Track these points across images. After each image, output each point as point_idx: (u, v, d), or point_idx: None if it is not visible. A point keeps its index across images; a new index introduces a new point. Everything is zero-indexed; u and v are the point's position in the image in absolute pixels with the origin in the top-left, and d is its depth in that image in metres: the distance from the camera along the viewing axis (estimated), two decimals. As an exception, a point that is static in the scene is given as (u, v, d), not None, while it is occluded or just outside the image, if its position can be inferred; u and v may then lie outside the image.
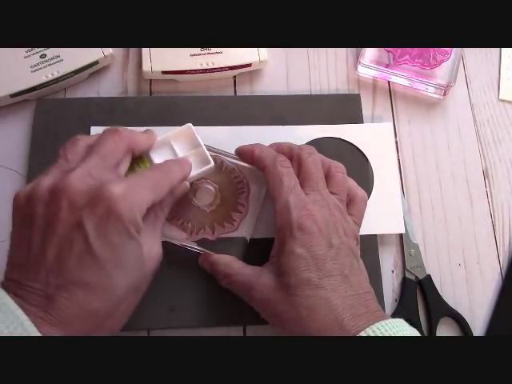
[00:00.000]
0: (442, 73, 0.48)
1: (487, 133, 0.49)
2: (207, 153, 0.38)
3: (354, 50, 0.51)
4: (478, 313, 0.43)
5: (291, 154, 0.39)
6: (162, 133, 0.43)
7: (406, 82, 0.49)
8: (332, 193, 0.38)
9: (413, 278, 0.43)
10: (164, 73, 0.46)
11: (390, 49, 0.49)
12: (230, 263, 0.38)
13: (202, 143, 0.38)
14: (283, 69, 0.50)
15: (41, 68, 0.45)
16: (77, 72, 0.46)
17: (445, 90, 0.49)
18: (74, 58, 0.45)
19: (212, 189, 0.41)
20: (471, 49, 0.52)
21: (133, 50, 0.49)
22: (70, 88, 0.47)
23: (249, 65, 0.47)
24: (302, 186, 0.37)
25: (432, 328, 0.42)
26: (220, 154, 0.42)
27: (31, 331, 0.27)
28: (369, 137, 0.46)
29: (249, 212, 0.40)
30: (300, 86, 0.49)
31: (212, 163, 0.38)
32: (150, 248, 0.33)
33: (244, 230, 0.40)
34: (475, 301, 0.44)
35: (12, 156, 0.44)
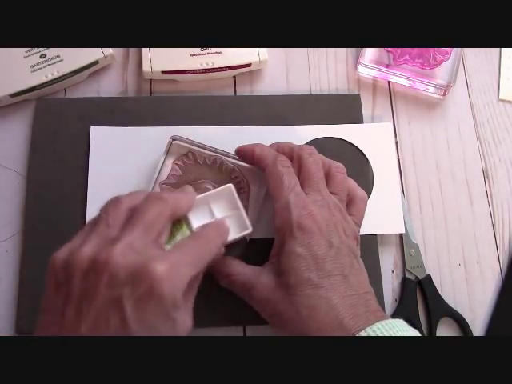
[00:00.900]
0: (441, 73, 0.48)
1: (487, 133, 0.49)
2: (245, 217, 0.37)
3: (353, 50, 0.51)
4: (478, 313, 0.43)
5: (292, 154, 0.39)
6: (162, 133, 0.44)
7: (406, 82, 0.49)
8: (332, 193, 0.38)
9: (413, 277, 0.43)
10: (164, 73, 0.46)
11: (389, 49, 0.49)
12: (229, 263, 0.38)
13: (241, 206, 0.37)
14: (283, 69, 0.50)
15: (41, 68, 0.45)
16: (77, 72, 0.46)
17: (445, 90, 0.49)
18: (74, 58, 0.45)
19: (212, 189, 0.41)
20: (471, 49, 0.52)
21: (133, 50, 0.49)
22: (69, 88, 0.47)
23: (249, 65, 0.47)
24: (302, 186, 0.37)
25: (432, 328, 0.42)
26: (220, 154, 0.42)
27: None
28: (369, 137, 0.46)
29: (249, 212, 0.40)
30: (300, 86, 0.49)
31: (250, 229, 0.36)
32: (183, 322, 0.31)
33: None
34: (475, 301, 0.44)
35: (12, 156, 0.44)
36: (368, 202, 0.41)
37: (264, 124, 0.46)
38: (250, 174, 0.41)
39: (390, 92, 0.50)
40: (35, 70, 0.45)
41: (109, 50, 0.46)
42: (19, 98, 0.45)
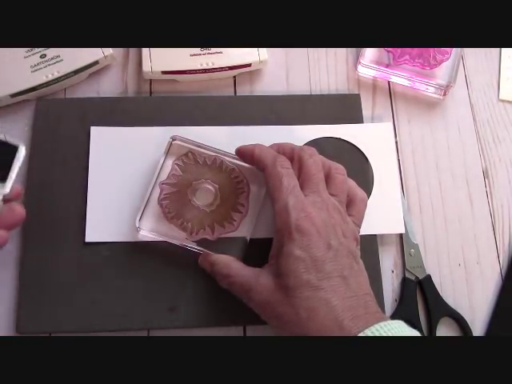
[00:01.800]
0: (441, 73, 0.48)
1: (487, 133, 0.49)
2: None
3: (354, 50, 0.51)
4: (477, 313, 0.43)
5: (292, 154, 0.39)
6: (162, 133, 0.44)
7: (406, 82, 0.49)
8: (332, 194, 0.38)
9: (413, 278, 0.43)
10: (164, 73, 0.46)
11: (390, 49, 0.49)
12: (229, 264, 0.38)
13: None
14: (283, 69, 0.50)
15: (41, 68, 0.45)
16: (77, 72, 0.46)
17: (445, 90, 0.49)
18: (74, 58, 0.45)
19: (212, 189, 0.41)
20: (471, 49, 0.52)
21: (133, 50, 0.49)
22: (69, 88, 0.47)
23: (249, 65, 0.47)
24: (301, 187, 0.37)
25: (432, 328, 0.42)
26: (220, 154, 0.42)
27: None
28: (369, 137, 0.46)
29: (249, 212, 0.40)
30: (300, 86, 0.49)
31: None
32: None
33: (244, 229, 0.40)
34: (475, 301, 0.44)
35: (12, 156, 0.44)
36: (368, 202, 0.41)
37: (264, 124, 0.46)
38: (250, 174, 0.41)
39: (390, 92, 0.50)
40: (35, 70, 0.45)
41: (109, 50, 0.46)
42: (19, 98, 0.45)
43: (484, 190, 0.47)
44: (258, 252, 0.39)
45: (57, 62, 0.45)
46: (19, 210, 0.36)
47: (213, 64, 0.46)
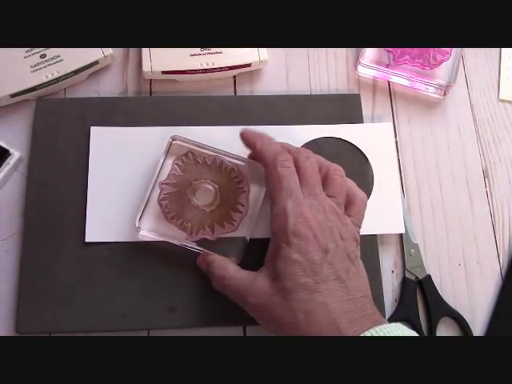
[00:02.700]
0: (441, 73, 0.48)
1: (487, 133, 0.49)
2: None
3: (354, 50, 0.51)
4: (477, 313, 0.43)
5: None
6: (162, 133, 0.44)
7: (406, 82, 0.49)
8: (329, 196, 0.38)
9: (413, 278, 0.43)
10: (164, 73, 0.46)
11: (389, 49, 0.49)
12: (225, 266, 0.38)
13: None
14: (283, 69, 0.50)
15: (41, 68, 0.45)
16: (77, 72, 0.46)
17: (445, 90, 0.49)
18: (74, 58, 0.45)
19: (212, 189, 0.41)
20: (471, 49, 0.52)
21: (133, 50, 0.49)
22: (69, 88, 0.47)
23: (249, 65, 0.47)
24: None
25: (432, 328, 0.42)
26: (220, 154, 0.42)
27: None
28: (369, 137, 0.46)
29: (249, 212, 0.40)
30: (300, 86, 0.49)
31: None
32: None
33: (244, 229, 0.40)
34: (475, 301, 0.44)
35: (12, 156, 0.44)
36: (368, 202, 0.41)
37: (264, 124, 0.46)
38: (250, 174, 0.41)
39: (390, 92, 0.50)
40: (35, 70, 0.45)
41: (109, 50, 0.46)
42: (19, 98, 0.45)
43: (484, 189, 0.47)
44: (258, 252, 0.39)
45: (57, 62, 0.45)
46: None
47: (213, 64, 0.46)
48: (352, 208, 0.39)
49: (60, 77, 0.45)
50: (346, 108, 0.47)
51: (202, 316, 0.40)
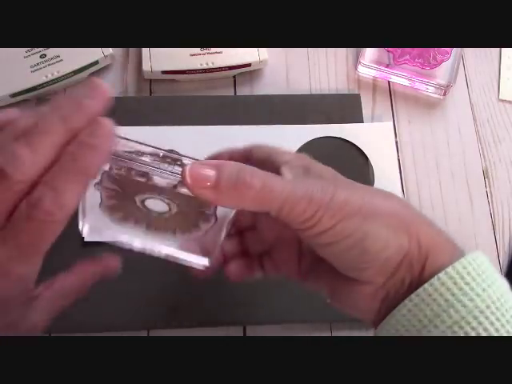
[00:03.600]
0: (441, 73, 0.48)
1: (487, 133, 0.49)
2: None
3: (354, 50, 0.51)
4: (478, 313, 0.43)
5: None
6: (162, 133, 0.44)
7: (406, 82, 0.49)
8: None
9: (413, 277, 0.43)
10: (164, 73, 0.46)
11: (390, 49, 0.49)
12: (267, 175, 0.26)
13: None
14: (283, 69, 0.50)
15: (41, 68, 0.45)
16: (77, 72, 0.46)
17: (445, 89, 0.49)
18: (74, 58, 0.45)
19: (163, 203, 0.31)
20: (471, 49, 0.52)
21: (133, 50, 0.49)
22: (69, 88, 0.47)
23: (249, 65, 0.47)
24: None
25: (432, 328, 0.42)
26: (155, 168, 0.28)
27: None
28: (369, 136, 0.46)
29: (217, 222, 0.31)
30: (300, 85, 0.49)
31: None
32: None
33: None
34: (475, 301, 0.43)
35: (12, 156, 0.44)
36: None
37: (264, 124, 0.46)
38: None
39: (390, 92, 0.50)
40: (35, 70, 0.45)
41: (109, 50, 0.46)
42: (19, 98, 0.45)
43: (484, 189, 0.47)
44: None
45: (57, 62, 0.45)
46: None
47: (213, 64, 0.46)
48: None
49: (60, 77, 0.45)
50: (345, 108, 0.48)
51: (202, 316, 0.40)
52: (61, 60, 0.45)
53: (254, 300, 0.40)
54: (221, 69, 0.47)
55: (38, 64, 0.45)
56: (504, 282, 0.27)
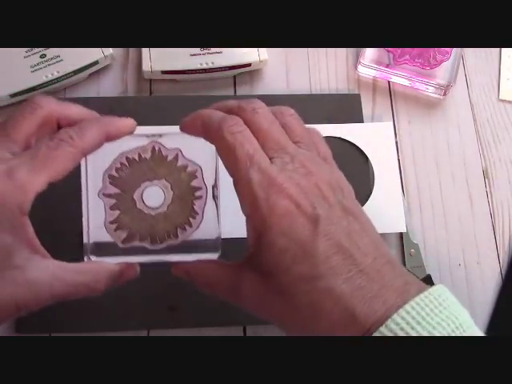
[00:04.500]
0: (442, 73, 0.48)
1: (487, 133, 0.49)
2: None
3: (354, 50, 0.51)
4: (478, 313, 0.43)
5: (237, 113, 0.30)
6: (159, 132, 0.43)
7: (406, 82, 0.49)
8: (295, 143, 0.30)
9: (413, 277, 0.43)
10: (164, 73, 0.46)
11: (390, 49, 0.49)
12: (203, 273, 0.32)
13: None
14: (283, 69, 0.50)
15: (41, 68, 0.45)
16: (77, 72, 0.46)
17: (445, 89, 0.49)
18: (74, 58, 0.45)
19: (160, 188, 0.33)
20: (471, 49, 0.52)
21: (133, 50, 0.49)
22: (69, 88, 0.47)
23: (249, 65, 0.47)
24: (262, 148, 0.29)
25: (432, 328, 0.42)
26: (157, 136, 0.33)
27: None
28: (369, 136, 0.46)
29: (208, 191, 0.33)
30: (300, 85, 0.49)
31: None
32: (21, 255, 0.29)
33: (210, 213, 0.33)
34: (475, 301, 0.44)
35: (12, 156, 0.44)
36: (368, 201, 0.41)
37: (264, 124, 0.46)
38: (201, 153, 0.33)
39: (390, 92, 0.50)
40: (35, 70, 0.45)
41: (109, 50, 0.46)
42: (19, 98, 0.45)
43: (484, 189, 0.47)
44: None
45: (57, 62, 0.45)
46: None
47: (213, 64, 0.46)
48: (318, 148, 0.32)
49: (60, 77, 0.45)
50: (346, 108, 0.48)
51: (202, 316, 0.40)
52: (61, 60, 0.45)
53: (254, 300, 0.40)
54: (221, 69, 0.47)
55: (37, 64, 0.45)
56: (454, 321, 0.27)
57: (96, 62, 0.46)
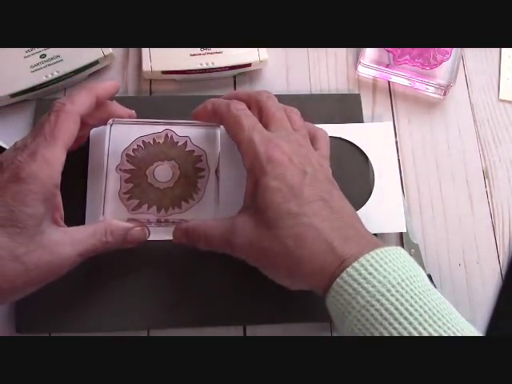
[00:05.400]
0: (442, 73, 0.48)
1: (487, 133, 0.49)
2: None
3: (354, 50, 0.51)
4: (477, 313, 0.43)
5: (249, 100, 0.39)
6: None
7: (406, 82, 0.49)
8: (294, 129, 0.38)
9: (413, 277, 0.43)
10: (164, 73, 0.46)
11: (390, 49, 0.49)
12: (200, 223, 0.36)
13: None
14: (283, 69, 0.50)
15: (41, 68, 0.45)
16: (77, 72, 0.46)
17: (445, 89, 0.49)
18: (74, 58, 0.45)
19: (169, 166, 0.40)
20: (471, 49, 0.52)
21: (133, 50, 0.49)
22: (70, 88, 0.47)
23: (249, 65, 0.47)
24: (266, 128, 0.36)
25: (432, 328, 0.42)
26: (171, 125, 0.41)
27: None
28: (369, 136, 0.46)
29: (211, 171, 0.40)
30: (300, 85, 0.49)
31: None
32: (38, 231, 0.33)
33: (211, 192, 0.39)
34: (475, 301, 0.44)
35: (12, 156, 0.44)
36: (368, 201, 0.41)
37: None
38: (206, 142, 0.41)
39: (390, 92, 0.50)
40: (35, 70, 0.45)
41: (109, 50, 0.46)
42: (19, 98, 0.45)
43: (484, 189, 0.47)
44: None
45: (57, 61, 0.45)
46: None
47: (213, 64, 0.46)
48: (316, 143, 0.39)
49: (60, 77, 0.45)
50: (346, 108, 0.48)
51: (202, 316, 0.40)
52: (61, 60, 0.45)
53: (254, 300, 0.40)
54: (221, 69, 0.47)
55: (37, 64, 0.45)
56: (411, 269, 0.31)
57: (96, 62, 0.46)
